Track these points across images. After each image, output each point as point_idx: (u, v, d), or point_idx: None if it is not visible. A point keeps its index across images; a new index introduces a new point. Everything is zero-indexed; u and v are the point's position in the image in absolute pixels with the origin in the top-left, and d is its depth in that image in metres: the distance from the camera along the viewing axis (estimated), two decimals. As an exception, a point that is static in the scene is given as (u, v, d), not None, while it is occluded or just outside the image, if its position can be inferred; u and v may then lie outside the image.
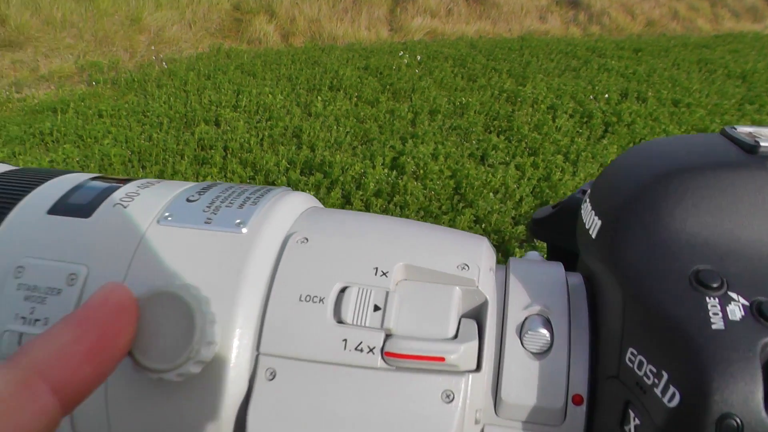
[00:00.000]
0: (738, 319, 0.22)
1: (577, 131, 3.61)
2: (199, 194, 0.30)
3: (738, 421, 0.20)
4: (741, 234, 0.24)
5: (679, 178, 0.25)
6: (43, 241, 0.28)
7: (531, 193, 2.82)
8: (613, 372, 0.24)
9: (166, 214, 0.28)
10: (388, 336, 0.25)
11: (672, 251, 0.24)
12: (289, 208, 0.30)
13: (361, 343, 0.25)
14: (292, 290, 0.26)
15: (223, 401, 0.25)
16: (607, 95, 4.21)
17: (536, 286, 0.28)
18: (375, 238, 0.28)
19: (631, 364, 0.23)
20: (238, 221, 0.28)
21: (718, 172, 0.25)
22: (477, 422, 0.25)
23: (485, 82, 4.48)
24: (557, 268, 0.29)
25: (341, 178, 2.78)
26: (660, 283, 0.23)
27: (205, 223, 0.28)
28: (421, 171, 2.90)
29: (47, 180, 0.31)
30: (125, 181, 0.31)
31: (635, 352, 0.23)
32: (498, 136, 3.50)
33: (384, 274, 0.26)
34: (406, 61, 4.91)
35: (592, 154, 3.22)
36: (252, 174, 2.90)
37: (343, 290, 0.26)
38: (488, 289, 0.27)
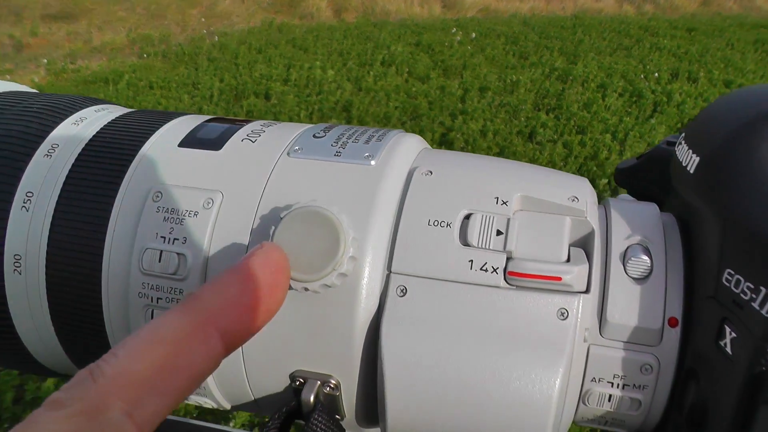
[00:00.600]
0: None
1: (627, 110, 3.55)
2: (324, 132, 0.32)
3: None
4: None
5: None
6: (178, 170, 0.30)
7: (577, 171, 2.78)
8: (710, 293, 0.26)
9: (296, 147, 0.30)
10: (509, 258, 0.27)
11: None
12: (410, 146, 0.32)
13: (485, 263, 0.27)
14: (421, 216, 0.28)
15: (358, 313, 0.27)
16: (657, 74, 4.13)
17: (635, 220, 0.30)
18: (494, 172, 0.30)
19: (728, 284, 0.25)
20: (366, 155, 0.30)
21: None
22: (585, 340, 0.28)
23: (536, 60, 4.43)
24: (652, 206, 0.31)
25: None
26: (759, 207, 0.25)
27: (335, 155, 0.30)
28: (470, 147, 2.89)
29: (170, 119, 0.34)
30: (246, 122, 0.34)
31: (732, 272, 0.25)
32: (547, 114, 3.46)
33: (504, 203, 0.28)
34: (458, 38, 4.87)
35: (640, 133, 3.16)
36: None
37: (467, 217, 0.28)
38: (594, 220, 0.29)
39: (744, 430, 0.24)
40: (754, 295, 0.24)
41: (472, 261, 0.27)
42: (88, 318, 0.31)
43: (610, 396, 0.29)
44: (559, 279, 0.27)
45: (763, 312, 0.23)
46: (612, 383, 0.28)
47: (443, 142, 2.96)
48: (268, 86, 3.67)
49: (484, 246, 0.27)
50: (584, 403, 0.29)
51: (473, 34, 4.97)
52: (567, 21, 5.86)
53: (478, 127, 3.13)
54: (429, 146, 0.34)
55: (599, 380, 0.28)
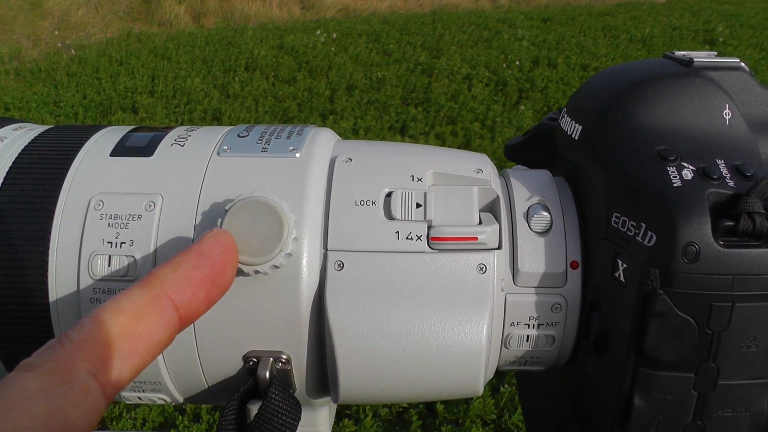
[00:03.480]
0: (690, 179, 0.29)
1: (493, 99, 3.74)
2: (247, 131, 0.34)
3: (696, 246, 0.27)
4: (686, 123, 0.32)
5: (641, 86, 0.33)
6: (115, 179, 0.32)
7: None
8: (602, 235, 0.31)
9: (224, 147, 0.33)
10: (430, 226, 0.31)
11: (641, 138, 0.31)
12: (326, 138, 0.35)
13: (410, 233, 0.31)
14: (348, 197, 0.31)
15: (302, 289, 0.30)
16: (518, 62, 4.36)
17: (532, 184, 0.34)
18: (407, 154, 0.34)
19: (616, 225, 0.30)
20: (291, 148, 0.32)
21: (667, 80, 0.33)
22: (502, 290, 0.32)
23: (400, 56, 4.56)
24: (544, 172, 0.36)
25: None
26: (635, 161, 0.30)
27: (262, 151, 0.32)
28: (343, 146, 2.97)
29: (95, 132, 0.35)
30: (169, 128, 0.36)
31: (618, 215, 0.30)
32: (416, 108, 3.60)
33: (419, 179, 0.32)
34: (323, 39, 4.93)
35: (509, 119, 3.36)
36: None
37: (389, 195, 0.32)
38: (498, 187, 0.33)
39: (639, 343, 0.29)
40: (637, 231, 0.29)
41: (398, 232, 0.31)
42: (40, 333, 0.31)
43: (528, 336, 0.33)
44: (476, 239, 0.31)
45: (645, 242, 0.28)
46: (528, 324, 0.32)
47: (316, 142, 3.02)
48: (134, 99, 3.59)
49: (406, 218, 0.31)
50: (506, 347, 0.33)
51: (334, 35, 5.05)
52: (426, 17, 6.02)
53: (349, 126, 3.22)
54: (340, 138, 0.38)
55: (517, 323, 0.32)
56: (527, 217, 0.33)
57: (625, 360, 0.29)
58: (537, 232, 0.32)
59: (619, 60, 4.64)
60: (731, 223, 0.27)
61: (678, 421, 0.29)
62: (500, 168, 0.37)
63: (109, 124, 2.43)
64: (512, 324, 0.32)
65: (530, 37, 5.16)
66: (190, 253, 0.25)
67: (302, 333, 0.31)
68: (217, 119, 3.38)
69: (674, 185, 0.29)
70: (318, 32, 5.09)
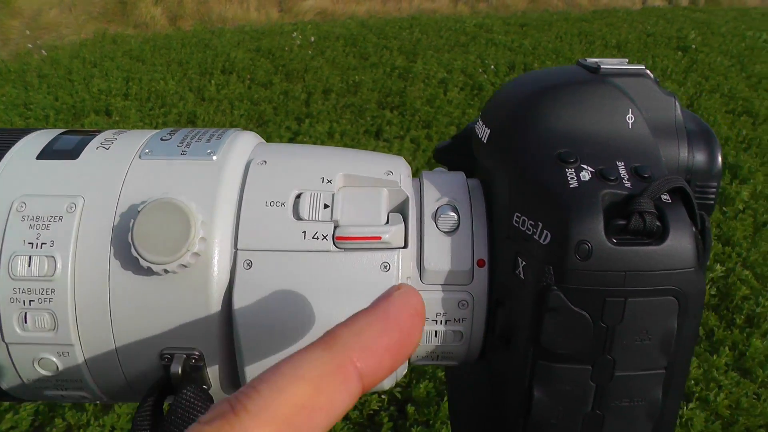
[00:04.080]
0: (587, 180, 0.30)
1: (469, 103, 3.76)
2: (171, 134, 0.35)
3: (589, 244, 0.28)
4: (589, 127, 0.33)
5: (546, 92, 0.34)
6: (39, 181, 0.33)
7: (426, 164, 2.92)
8: (505, 234, 0.32)
9: (146, 150, 0.34)
10: (336, 226, 0.32)
11: (543, 141, 0.32)
12: (246, 141, 0.36)
13: (316, 233, 0.31)
14: (259, 199, 0.32)
15: (212, 288, 0.31)
16: (493, 67, 4.40)
17: (444, 186, 0.35)
18: (320, 157, 0.35)
19: (517, 224, 0.31)
20: (209, 151, 0.33)
21: (573, 86, 0.34)
22: None
23: (377, 60, 4.58)
24: (459, 174, 0.37)
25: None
26: (536, 163, 0.32)
27: (181, 154, 0.33)
28: (317, 150, 2.97)
29: (24, 135, 0.36)
30: (98, 131, 0.36)
31: (519, 215, 0.31)
32: (392, 112, 3.62)
33: (329, 181, 0.33)
34: (299, 42, 4.94)
35: (483, 124, 3.38)
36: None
37: (298, 196, 0.32)
38: (408, 189, 0.34)
39: (536, 337, 0.30)
40: (534, 230, 0.30)
41: (305, 232, 0.31)
42: None
43: (436, 332, 0.33)
44: (379, 238, 0.31)
45: (541, 241, 0.29)
46: (436, 321, 0.33)
47: (291, 146, 3.03)
48: (108, 102, 3.56)
49: (314, 218, 0.32)
50: None
51: (312, 38, 5.06)
52: (404, 21, 6.05)
53: (325, 129, 3.23)
54: (264, 141, 0.39)
55: (425, 320, 0.32)
56: (435, 217, 0.34)
57: (525, 353, 0.31)
58: (444, 232, 0.33)
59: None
60: (623, 222, 0.29)
61: (577, 411, 0.31)
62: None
63: (82, 126, 2.42)
64: None
65: (507, 42, 5.20)
66: (377, 314, 0.23)
67: (213, 330, 0.31)
68: (192, 122, 3.37)
69: (570, 186, 0.30)
70: (294, 35, 5.09)
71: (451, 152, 0.41)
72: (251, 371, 0.32)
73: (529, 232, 0.30)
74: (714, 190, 0.36)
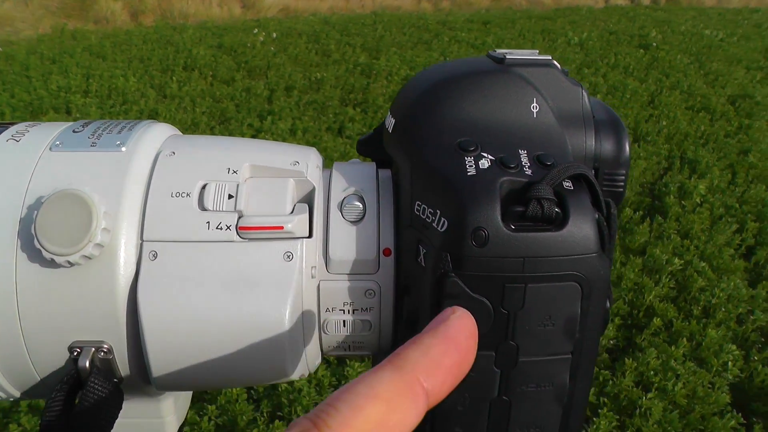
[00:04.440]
0: (486, 168, 0.30)
1: (430, 101, 3.77)
2: (83, 127, 0.35)
3: (485, 231, 0.28)
4: (493, 116, 0.33)
5: (450, 82, 0.34)
6: None
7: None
8: (408, 223, 0.32)
9: (57, 142, 0.33)
10: (240, 217, 0.32)
11: (445, 131, 0.32)
12: (158, 132, 0.35)
13: (220, 223, 0.32)
14: (166, 190, 0.32)
15: (118, 279, 0.31)
16: (456, 65, 4.40)
17: (353, 176, 0.36)
18: (228, 148, 0.35)
19: (418, 213, 0.31)
20: (118, 143, 0.33)
21: (477, 76, 0.34)
22: (313, 277, 0.33)
23: (339, 57, 4.58)
24: (369, 165, 0.38)
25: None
26: (435, 152, 0.32)
27: (91, 146, 0.33)
28: (280, 147, 2.96)
29: None
30: (11, 124, 0.36)
31: (420, 203, 0.31)
32: (354, 109, 3.61)
33: (235, 172, 0.33)
34: (261, 39, 4.91)
35: (443, 121, 3.39)
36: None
37: (204, 187, 0.33)
38: (315, 179, 0.34)
39: None
40: (433, 217, 0.30)
41: (209, 222, 0.31)
42: None
43: (344, 321, 0.33)
44: (281, 228, 0.32)
45: (439, 228, 0.29)
46: (343, 310, 0.33)
47: (254, 143, 3.01)
48: (67, 99, 3.50)
49: (218, 209, 0.32)
50: (325, 332, 0.34)
51: (275, 34, 5.03)
52: (367, 18, 6.07)
53: (287, 127, 3.21)
54: (180, 134, 0.38)
55: (332, 309, 0.33)
56: (341, 207, 0.34)
57: None
58: (350, 222, 0.33)
59: (558, 62, 4.74)
60: (522, 209, 0.29)
61: (483, 398, 0.30)
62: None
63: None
64: (327, 310, 0.33)
65: (470, 39, 5.23)
66: (438, 335, 0.24)
67: (120, 322, 0.31)
68: (153, 120, 3.32)
69: (468, 174, 0.30)
70: (255, 31, 5.06)
71: (370, 144, 0.41)
72: (156, 363, 0.31)
73: (429, 220, 0.30)
74: (622, 177, 0.36)
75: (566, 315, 0.29)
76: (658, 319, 1.85)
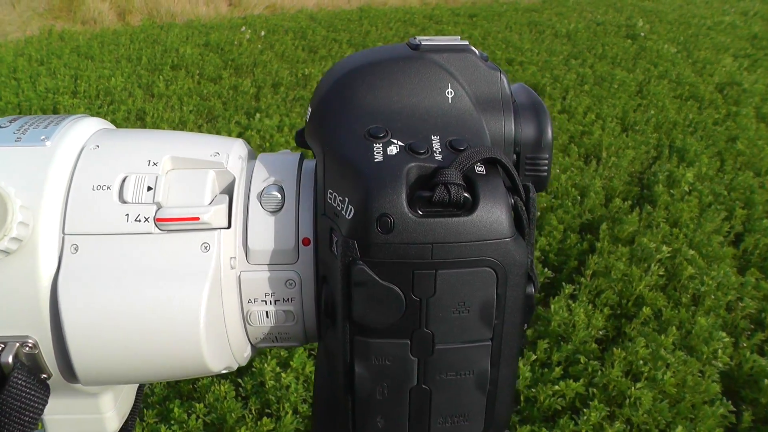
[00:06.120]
0: (393, 154, 0.30)
1: (417, 94, 3.76)
2: (10, 122, 0.35)
3: (391, 218, 0.28)
4: (405, 102, 0.33)
5: (362, 70, 0.34)
6: None
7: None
8: (323, 211, 0.32)
9: None
10: (158, 208, 0.32)
11: (355, 118, 0.32)
12: (86, 126, 0.35)
13: (139, 215, 0.32)
14: (87, 183, 0.32)
15: (39, 274, 0.31)
16: (443, 59, 4.40)
17: (275, 166, 0.35)
18: (151, 141, 0.35)
19: (331, 201, 0.31)
20: (42, 137, 0.33)
21: (390, 63, 0.34)
22: (232, 268, 0.33)
23: (326, 53, 4.58)
24: (293, 155, 0.37)
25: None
26: (345, 139, 0.32)
27: (16, 141, 0.33)
28: (267, 143, 2.96)
29: None
30: None
31: (332, 191, 0.31)
32: (342, 105, 3.59)
33: (155, 164, 0.33)
34: (248, 36, 4.90)
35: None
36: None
37: (124, 179, 0.32)
38: (236, 169, 0.34)
39: (349, 312, 0.30)
40: (343, 205, 0.30)
41: (128, 215, 0.32)
42: None
43: (267, 312, 0.34)
44: (197, 219, 0.32)
45: (347, 216, 0.29)
46: (265, 301, 0.33)
47: (242, 140, 3.01)
48: (55, 101, 3.48)
49: (137, 201, 0.32)
50: (249, 324, 0.34)
51: (262, 32, 5.02)
52: (353, 14, 6.06)
53: (274, 124, 3.20)
54: (111, 128, 0.38)
55: (254, 300, 0.33)
56: (260, 197, 0.34)
57: (343, 330, 0.30)
58: (269, 211, 0.33)
59: (543, 54, 4.75)
60: (429, 194, 0.28)
61: (402, 386, 0.30)
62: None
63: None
64: (250, 301, 0.34)
65: (456, 33, 5.22)
66: None
67: (44, 317, 0.31)
68: (141, 119, 3.32)
69: (375, 161, 0.29)
70: (243, 29, 5.05)
71: (303, 135, 0.42)
72: (78, 358, 0.31)
73: (339, 208, 0.30)
74: (545, 161, 0.35)
75: (481, 301, 0.29)
76: (648, 308, 1.84)
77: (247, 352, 0.36)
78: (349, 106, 0.33)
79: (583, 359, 1.67)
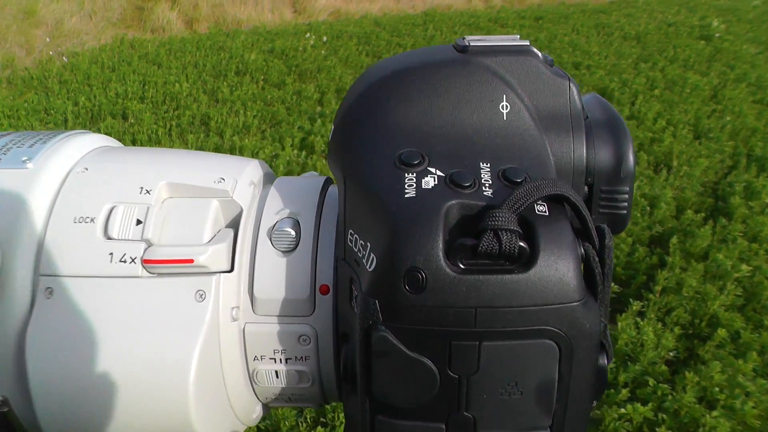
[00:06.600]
0: (430, 188, 0.24)
1: (481, 100, 3.70)
2: None
3: (422, 273, 0.22)
4: (446, 119, 0.27)
5: (396, 78, 0.28)
6: None
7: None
8: (342, 255, 0.26)
9: None
10: (148, 247, 0.27)
11: (383, 139, 0.26)
12: (79, 145, 0.31)
13: (124, 254, 0.27)
14: (69, 214, 0.28)
15: (9, 321, 0.27)
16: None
17: (291, 195, 0.30)
18: (147, 162, 0.30)
19: (351, 244, 0.25)
20: (24, 158, 0.29)
21: (426, 69, 0.27)
22: (235, 319, 0.28)
23: (391, 58, 4.53)
24: (317, 180, 0.31)
25: (251, 163, 2.80)
26: (370, 166, 0.26)
27: None
28: (330, 150, 2.94)
29: None
30: None
31: (353, 232, 0.25)
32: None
33: (148, 192, 0.28)
34: (312, 42, 4.92)
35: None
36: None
37: (111, 210, 0.28)
38: (245, 199, 0.29)
39: (367, 384, 0.24)
40: (364, 251, 0.24)
41: (112, 254, 0.27)
42: None
43: (277, 372, 0.28)
44: (191, 261, 0.27)
45: (368, 267, 0.23)
46: (274, 359, 0.28)
47: (303, 146, 3.01)
48: (124, 105, 3.56)
49: (123, 237, 0.27)
50: (256, 383, 0.29)
51: (324, 38, 5.03)
52: (417, 18, 6.00)
53: (337, 130, 3.19)
54: (114, 145, 0.33)
55: (261, 358, 0.28)
56: (271, 233, 0.28)
57: (363, 406, 0.25)
58: (281, 252, 0.28)
59: (612, 58, 4.61)
60: (474, 243, 0.22)
61: None
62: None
63: (98, 131, 2.40)
64: (255, 358, 0.28)
65: (522, 36, 5.12)
66: None
67: (12, 371, 0.27)
68: (205, 124, 3.36)
69: (406, 196, 0.23)
70: (308, 35, 5.07)
71: None
72: (46, 419, 0.27)
73: (360, 255, 0.24)
74: (626, 196, 0.28)
75: (539, 381, 0.23)
76: (723, 329, 1.73)
77: (257, 413, 0.31)
78: (378, 123, 0.27)
79: (651, 381, 1.57)
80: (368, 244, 0.24)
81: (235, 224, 0.29)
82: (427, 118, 0.27)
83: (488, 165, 0.25)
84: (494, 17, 6.07)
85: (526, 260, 0.22)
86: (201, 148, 2.98)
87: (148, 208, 0.28)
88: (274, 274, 0.28)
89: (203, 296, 0.27)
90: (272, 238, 0.28)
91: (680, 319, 1.83)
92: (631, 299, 1.88)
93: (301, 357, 0.28)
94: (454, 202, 0.23)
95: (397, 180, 0.24)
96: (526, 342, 0.23)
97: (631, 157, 0.28)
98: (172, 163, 0.30)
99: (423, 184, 0.24)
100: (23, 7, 5.17)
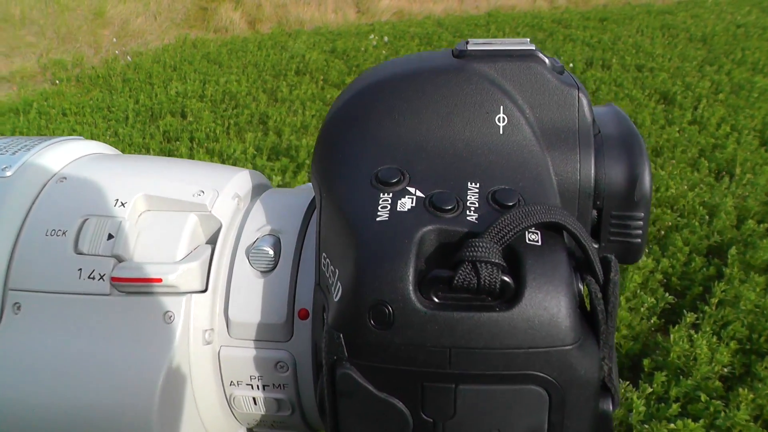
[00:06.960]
0: (405, 210, 0.21)
1: (544, 102, 3.62)
2: None
3: (389, 308, 0.20)
4: (435, 133, 0.24)
5: (382, 86, 0.25)
6: None
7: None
8: (317, 280, 0.24)
9: None
10: (117, 263, 0.25)
11: (362, 153, 0.24)
12: (63, 153, 0.29)
13: (93, 271, 0.25)
14: (41, 226, 0.26)
15: None
16: (572, 64, 4.22)
17: (275, 210, 0.28)
18: (125, 173, 0.28)
19: (325, 269, 0.23)
20: (4, 167, 0.27)
21: (416, 76, 0.25)
22: (208, 342, 0.26)
23: (452, 59, 4.47)
24: (306, 195, 0.29)
25: (308, 162, 2.78)
26: (345, 184, 0.23)
27: None
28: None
29: None
30: None
31: (326, 256, 0.23)
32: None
33: (123, 204, 0.27)
34: (374, 43, 4.90)
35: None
36: (219, 162, 2.89)
37: (84, 222, 0.26)
38: (225, 214, 0.27)
39: (336, 424, 0.22)
40: (333, 278, 0.22)
41: (81, 269, 0.25)
42: None
43: (255, 398, 0.27)
44: (159, 281, 0.25)
45: (335, 297, 0.21)
46: (251, 385, 0.26)
47: (361, 146, 2.98)
48: (183, 104, 3.61)
49: (93, 252, 0.26)
50: (234, 408, 0.27)
51: (385, 38, 5.00)
52: (480, 19, 5.96)
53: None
54: (110, 152, 0.32)
55: (238, 383, 0.26)
56: (249, 252, 0.26)
57: None
58: (260, 271, 0.26)
59: (676, 60, 4.44)
60: (450, 274, 0.19)
61: None
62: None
63: (157, 128, 2.41)
64: (232, 383, 0.26)
65: (585, 38, 5.00)
66: None
67: None
68: (263, 123, 3.36)
69: (378, 219, 0.21)
70: (371, 36, 5.06)
71: None
72: None
73: (330, 282, 0.22)
74: (640, 222, 0.24)
75: (525, 430, 0.20)
76: (784, 347, 1.61)
77: None
78: (357, 136, 0.24)
79: (704, 397, 1.47)
80: (337, 270, 0.22)
81: (214, 240, 0.27)
82: (412, 131, 0.24)
83: (477, 185, 0.22)
84: (558, 18, 5.95)
85: (510, 296, 0.20)
86: (259, 147, 2.97)
87: (120, 221, 0.26)
88: (250, 295, 0.26)
89: (172, 318, 0.25)
90: (250, 257, 0.26)
91: (737, 333, 1.70)
92: (685, 311, 1.77)
93: (279, 385, 0.26)
94: (431, 227, 0.21)
95: (370, 200, 0.22)
96: (509, 387, 0.20)
97: (647, 179, 0.25)
98: (153, 174, 0.28)
99: (398, 206, 0.22)
100: (93, 8, 5.32)
